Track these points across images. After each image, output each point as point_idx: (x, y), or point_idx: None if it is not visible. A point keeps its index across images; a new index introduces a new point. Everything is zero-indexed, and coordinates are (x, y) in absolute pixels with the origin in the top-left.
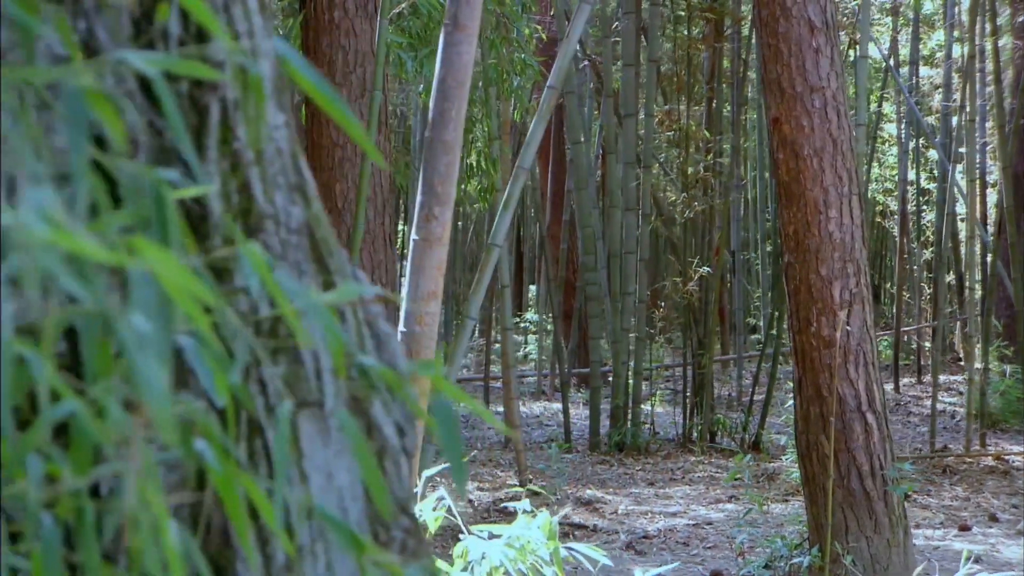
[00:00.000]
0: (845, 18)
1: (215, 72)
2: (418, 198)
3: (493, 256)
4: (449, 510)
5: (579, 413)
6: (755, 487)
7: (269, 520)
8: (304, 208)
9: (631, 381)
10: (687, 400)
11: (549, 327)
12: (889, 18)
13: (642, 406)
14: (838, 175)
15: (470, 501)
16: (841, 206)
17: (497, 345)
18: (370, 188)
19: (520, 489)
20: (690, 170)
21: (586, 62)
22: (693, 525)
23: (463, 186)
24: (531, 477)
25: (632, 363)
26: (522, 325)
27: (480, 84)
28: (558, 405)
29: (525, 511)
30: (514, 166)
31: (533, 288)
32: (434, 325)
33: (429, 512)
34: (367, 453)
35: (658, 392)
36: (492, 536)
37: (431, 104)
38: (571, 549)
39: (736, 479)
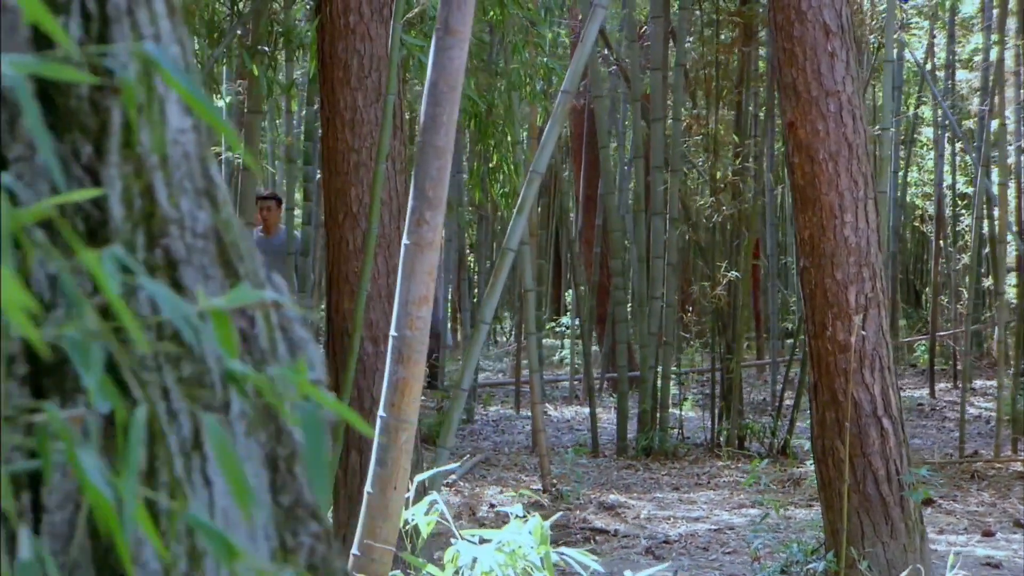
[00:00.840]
0: (875, 21)
1: (85, 76)
2: (410, 203)
3: (507, 260)
4: (443, 514)
5: (610, 417)
6: (780, 492)
7: (145, 526)
8: (212, 213)
9: (659, 385)
10: (715, 405)
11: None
12: (927, 22)
13: (672, 411)
14: (853, 179)
15: (491, 505)
16: (856, 210)
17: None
18: (385, 192)
19: (543, 493)
20: (718, 174)
21: (615, 66)
22: (715, 530)
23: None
24: (555, 481)
25: (660, 367)
26: (558, 329)
27: (503, 88)
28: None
29: (517, 516)
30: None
31: (572, 292)
32: (425, 329)
33: (421, 516)
34: (233, 460)
35: (690, 396)
36: (483, 540)
37: (422, 109)
38: (562, 554)
39: (753, 484)
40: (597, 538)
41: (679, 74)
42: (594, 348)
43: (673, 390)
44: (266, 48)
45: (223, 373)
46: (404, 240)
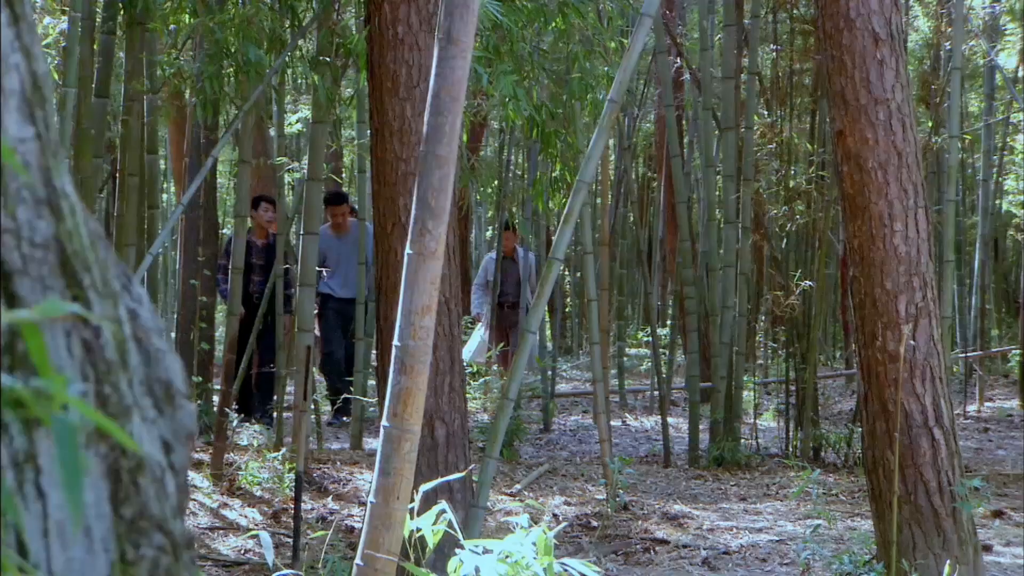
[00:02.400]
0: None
1: None
2: (412, 212)
3: (554, 270)
4: (451, 524)
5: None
6: (849, 503)
7: None
8: (53, 223)
9: (733, 395)
10: (789, 415)
11: (665, 341)
12: (1021, 28)
13: (754, 420)
14: (903, 188)
15: (555, 516)
16: (906, 219)
17: (625, 359)
18: None
19: (606, 503)
20: (791, 183)
21: (687, 75)
22: (777, 541)
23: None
24: (620, 491)
25: (733, 377)
26: (648, 339)
27: (564, 97)
28: (672, 419)
29: (522, 526)
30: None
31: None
32: (428, 339)
33: (427, 526)
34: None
35: (772, 407)
36: (487, 550)
37: (425, 118)
38: (565, 565)
39: (801, 495)
40: (656, 548)
41: (752, 82)
42: (682, 358)
43: (756, 400)
44: (328, 59)
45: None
46: (407, 250)
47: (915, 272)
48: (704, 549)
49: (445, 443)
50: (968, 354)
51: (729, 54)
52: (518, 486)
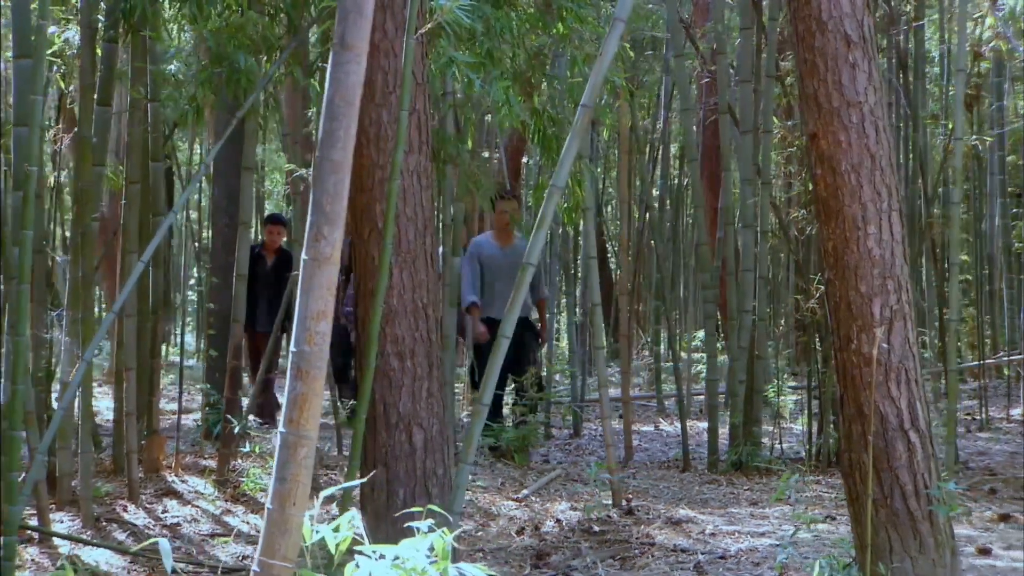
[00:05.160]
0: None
1: None
2: (308, 218)
3: (527, 275)
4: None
5: (722, 432)
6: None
7: None
8: None
9: (754, 399)
10: (809, 420)
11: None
12: None
13: (782, 424)
14: (876, 191)
15: (558, 520)
16: (880, 222)
17: (668, 364)
18: (411, 208)
19: (613, 507)
20: (810, 186)
21: (706, 79)
22: (777, 546)
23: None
24: (629, 496)
25: (753, 381)
26: (696, 344)
27: (566, 102)
28: (706, 424)
29: (421, 530)
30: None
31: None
32: (324, 344)
33: (329, 533)
34: None
35: (805, 411)
36: (382, 556)
37: (320, 124)
38: (460, 569)
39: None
40: (655, 552)
41: (769, 85)
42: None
43: (779, 404)
44: (326, 65)
45: None
46: (303, 255)
47: (889, 275)
48: (701, 554)
49: (423, 448)
50: (1012, 357)
51: (746, 57)
52: (525, 491)
